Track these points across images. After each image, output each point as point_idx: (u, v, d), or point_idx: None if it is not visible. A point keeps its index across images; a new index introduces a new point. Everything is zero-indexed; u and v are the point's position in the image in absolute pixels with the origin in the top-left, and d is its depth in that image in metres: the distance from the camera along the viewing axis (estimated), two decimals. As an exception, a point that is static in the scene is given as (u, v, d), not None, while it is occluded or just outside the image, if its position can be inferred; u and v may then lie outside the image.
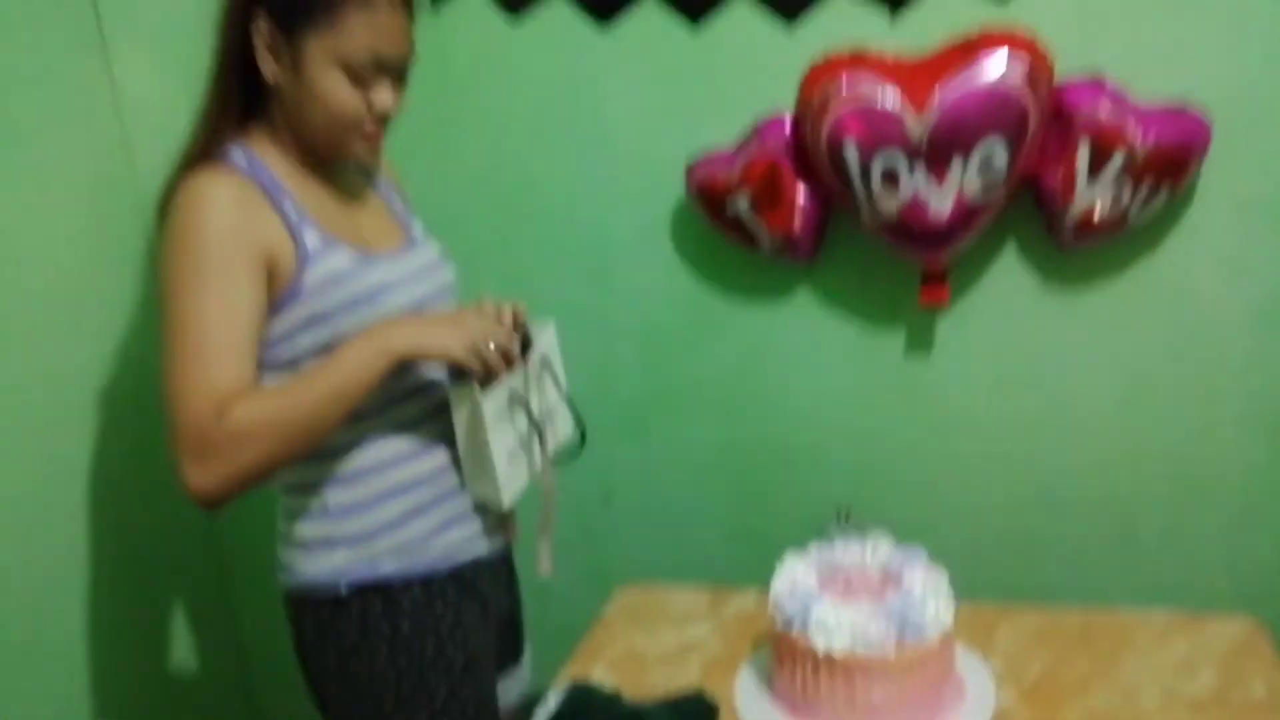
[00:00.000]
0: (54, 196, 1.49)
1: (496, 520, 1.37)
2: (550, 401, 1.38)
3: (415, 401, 1.29)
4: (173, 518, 1.71)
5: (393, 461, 1.27)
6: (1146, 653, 1.31)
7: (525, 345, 1.31)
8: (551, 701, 1.28)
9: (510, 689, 1.48)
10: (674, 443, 1.87)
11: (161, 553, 1.71)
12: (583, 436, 1.41)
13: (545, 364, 1.37)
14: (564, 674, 1.42)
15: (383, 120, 1.23)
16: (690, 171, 1.69)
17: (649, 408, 1.88)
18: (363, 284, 1.21)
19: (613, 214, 1.81)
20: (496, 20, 1.78)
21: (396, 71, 1.22)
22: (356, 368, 1.16)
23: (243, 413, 1.12)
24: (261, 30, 1.17)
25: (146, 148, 1.63)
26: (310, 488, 1.27)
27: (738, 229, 1.67)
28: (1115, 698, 1.23)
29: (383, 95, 1.20)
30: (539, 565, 1.37)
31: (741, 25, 1.66)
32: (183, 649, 1.77)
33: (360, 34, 1.16)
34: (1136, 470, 1.68)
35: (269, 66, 1.18)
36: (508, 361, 1.23)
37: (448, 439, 1.29)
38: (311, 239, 1.20)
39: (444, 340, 1.19)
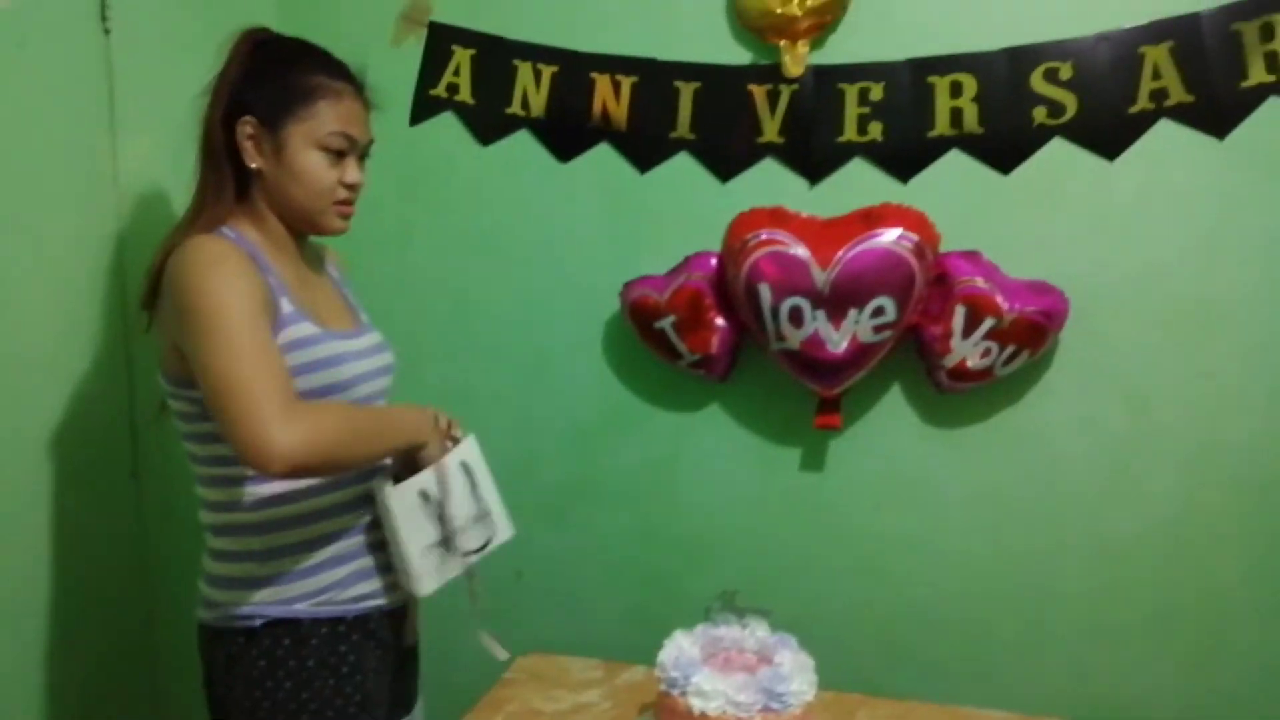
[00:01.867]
0: (47, 245, 1.62)
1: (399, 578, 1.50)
2: (480, 506, 1.53)
3: None
4: (106, 558, 1.81)
5: (317, 514, 1.42)
6: (985, 745, 1.52)
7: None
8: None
9: None
10: (586, 529, 2.06)
11: (90, 589, 1.80)
12: None
13: (466, 470, 1.52)
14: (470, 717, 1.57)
15: (352, 192, 1.45)
16: (625, 290, 1.92)
17: (566, 496, 2.07)
18: (323, 351, 1.40)
19: (550, 322, 2.04)
20: (468, 141, 2.02)
21: (360, 152, 1.46)
22: (404, 420, 1.43)
23: (318, 404, 1.35)
24: (248, 129, 1.39)
25: (134, 213, 1.80)
26: (239, 529, 1.41)
27: (662, 344, 1.90)
28: (952, 778, 1.43)
29: (351, 171, 1.44)
30: (495, 653, 1.53)
31: (682, 176, 1.93)
32: (100, 678, 1.85)
33: (331, 119, 1.40)
34: (993, 589, 1.90)
35: (253, 157, 1.40)
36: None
37: (369, 500, 1.45)
38: (286, 306, 1.38)
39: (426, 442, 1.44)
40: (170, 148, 1.84)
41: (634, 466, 2.03)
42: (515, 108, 2.00)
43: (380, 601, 1.48)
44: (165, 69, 1.83)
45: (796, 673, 1.40)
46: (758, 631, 1.51)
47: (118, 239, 1.76)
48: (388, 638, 1.51)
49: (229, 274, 1.31)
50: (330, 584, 1.43)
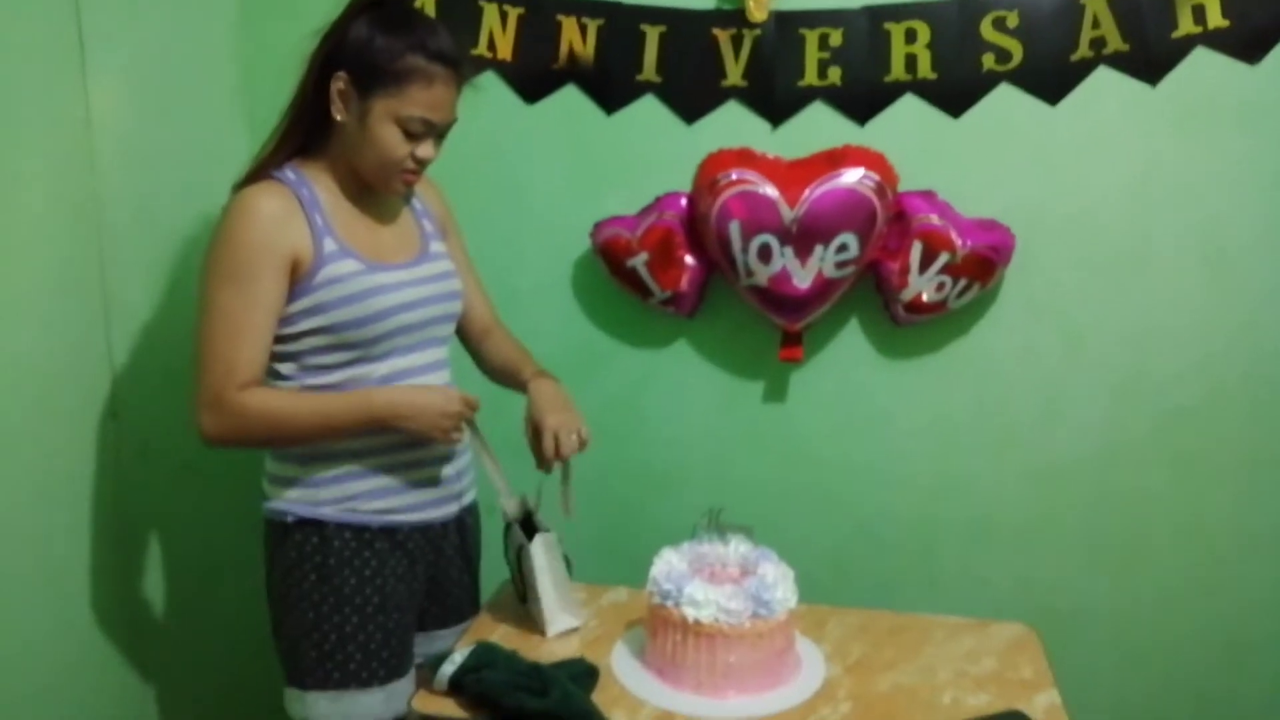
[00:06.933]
0: (17, 198, 1.59)
1: (443, 498, 1.62)
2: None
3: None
4: (85, 498, 1.80)
5: None
6: (942, 645, 1.64)
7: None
8: (458, 656, 1.49)
9: (449, 642, 1.67)
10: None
11: (69, 529, 1.79)
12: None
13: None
14: (463, 642, 1.62)
15: (420, 166, 1.52)
16: (596, 230, 1.98)
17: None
18: (360, 285, 1.49)
19: (519, 261, 2.09)
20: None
21: (439, 131, 1.52)
22: (346, 415, 1.49)
23: (256, 397, 1.45)
24: (339, 84, 1.46)
25: (109, 163, 1.77)
26: None
27: (633, 282, 1.97)
28: (916, 674, 1.54)
29: (425, 149, 1.50)
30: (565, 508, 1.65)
31: (648, 118, 1.99)
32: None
33: (417, 103, 1.45)
34: (940, 510, 2.05)
35: (340, 111, 1.47)
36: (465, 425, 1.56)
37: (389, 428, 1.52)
38: (329, 246, 1.48)
39: (413, 424, 1.51)
40: (143, 90, 1.83)
41: (602, 401, 2.09)
42: (481, 49, 2.02)
43: (408, 517, 1.58)
44: (133, 11, 1.80)
45: (780, 581, 1.50)
46: (740, 546, 1.60)
47: (91, 180, 1.74)
48: (417, 551, 1.61)
49: (245, 243, 1.43)
50: (355, 494, 1.54)
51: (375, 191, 1.56)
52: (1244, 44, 1.82)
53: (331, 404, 1.49)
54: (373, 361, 1.53)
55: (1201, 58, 1.83)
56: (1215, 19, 1.82)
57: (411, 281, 1.55)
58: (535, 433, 1.60)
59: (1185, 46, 1.84)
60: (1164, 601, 2.01)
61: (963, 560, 2.06)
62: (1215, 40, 1.82)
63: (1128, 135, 1.87)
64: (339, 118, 1.47)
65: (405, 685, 1.58)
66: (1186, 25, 1.83)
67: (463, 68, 1.51)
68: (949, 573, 2.06)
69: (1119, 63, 1.86)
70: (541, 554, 1.63)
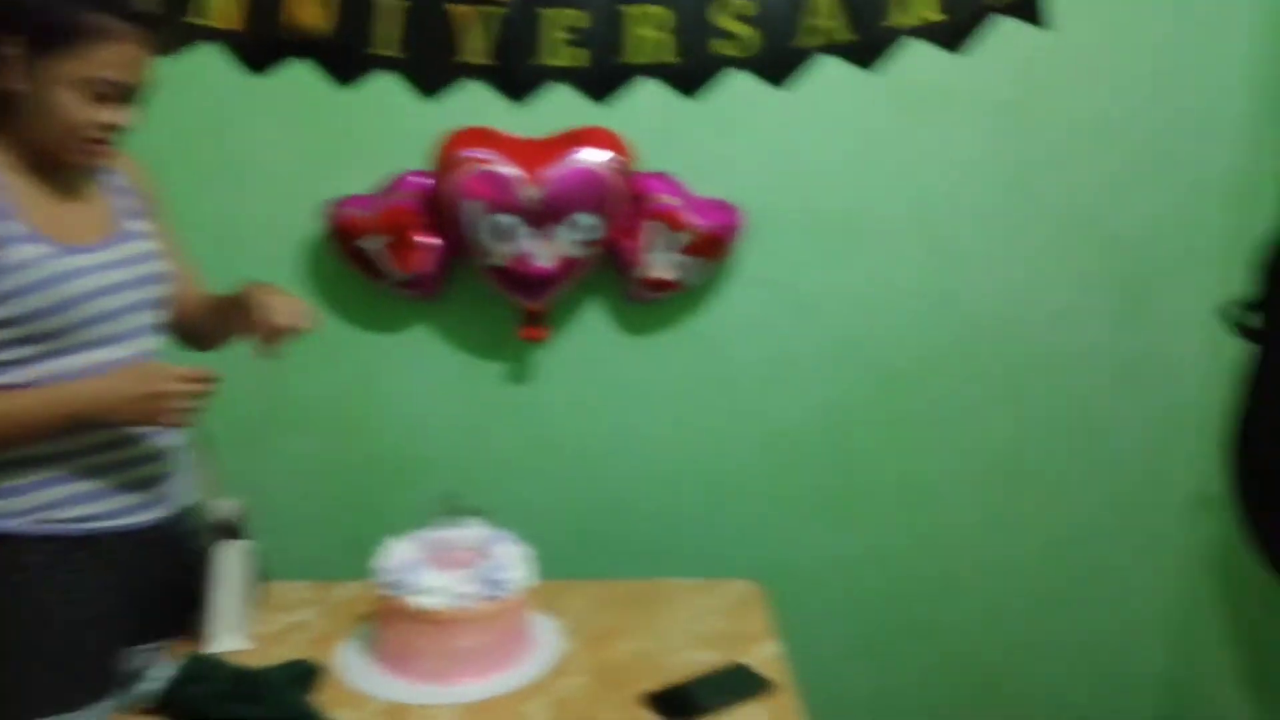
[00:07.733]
0: None
1: (151, 500, 1.50)
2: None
3: None
4: None
5: None
6: (677, 607, 1.70)
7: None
8: (164, 671, 1.40)
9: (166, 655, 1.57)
10: (285, 455, 2.06)
11: None
12: None
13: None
14: (173, 654, 1.52)
15: (109, 133, 1.39)
16: (330, 210, 1.91)
17: (258, 423, 2.04)
18: (49, 270, 1.35)
19: (244, 244, 1.98)
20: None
21: (126, 95, 1.39)
22: (40, 416, 1.36)
23: None
24: (13, 49, 1.31)
25: None
26: None
27: (367, 265, 1.91)
28: (652, 639, 1.60)
29: (113, 114, 1.38)
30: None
31: (384, 94, 1.93)
32: None
33: (102, 63, 1.33)
34: (679, 476, 2.12)
35: (15, 79, 1.32)
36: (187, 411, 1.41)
37: (96, 426, 1.42)
38: (11, 229, 1.34)
39: (121, 415, 1.39)
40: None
41: (333, 390, 2.03)
42: (205, 19, 1.90)
43: (110, 523, 1.46)
44: None
45: (514, 562, 1.50)
46: (474, 530, 1.59)
47: None
48: (128, 560, 1.49)
49: None
50: (47, 503, 1.41)
51: (64, 168, 1.43)
52: (949, 34, 1.95)
53: (21, 405, 1.36)
54: (68, 355, 1.39)
55: (913, 46, 1.94)
56: (926, 11, 1.94)
57: (107, 264, 1.43)
58: (252, 310, 1.47)
59: (898, 35, 1.95)
60: (882, 549, 2.17)
61: (703, 523, 2.14)
62: (924, 31, 1.95)
63: (848, 117, 1.98)
64: (14, 86, 1.33)
65: (114, 705, 1.46)
66: (899, 16, 1.95)
67: (154, 26, 1.40)
68: (690, 536, 2.14)
69: (840, 50, 1.95)
70: (230, 561, 1.53)
